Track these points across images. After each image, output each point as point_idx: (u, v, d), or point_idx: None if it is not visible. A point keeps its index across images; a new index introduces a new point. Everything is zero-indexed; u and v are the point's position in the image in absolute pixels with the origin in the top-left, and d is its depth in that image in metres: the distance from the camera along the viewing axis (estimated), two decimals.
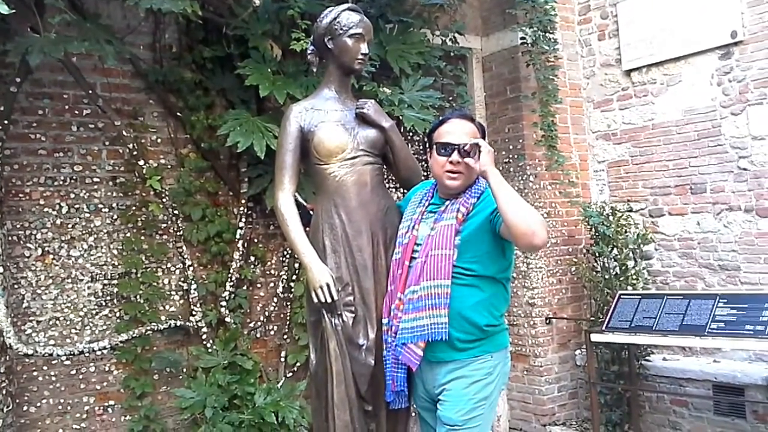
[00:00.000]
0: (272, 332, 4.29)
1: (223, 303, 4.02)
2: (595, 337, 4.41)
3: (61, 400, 3.62)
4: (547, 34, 4.79)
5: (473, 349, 2.45)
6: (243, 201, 4.14)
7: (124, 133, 3.74)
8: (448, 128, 2.52)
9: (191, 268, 3.97)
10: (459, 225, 2.44)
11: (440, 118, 2.65)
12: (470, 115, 2.67)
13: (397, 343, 2.49)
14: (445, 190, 2.55)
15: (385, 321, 2.58)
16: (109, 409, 3.76)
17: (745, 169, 4.46)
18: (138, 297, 3.84)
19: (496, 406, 2.57)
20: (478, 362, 2.45)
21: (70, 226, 3.70)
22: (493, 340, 2.49)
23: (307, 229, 2.76)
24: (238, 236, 4.10)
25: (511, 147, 5.16)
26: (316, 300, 2.62)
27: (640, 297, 4.37)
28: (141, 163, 3.79)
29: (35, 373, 3.56)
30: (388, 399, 2.63)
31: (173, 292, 4.00)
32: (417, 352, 2.45)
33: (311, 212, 2.83)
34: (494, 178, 2.33)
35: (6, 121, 3.40)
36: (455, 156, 2.45)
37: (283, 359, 4.27)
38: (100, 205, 3.79)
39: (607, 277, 4.83)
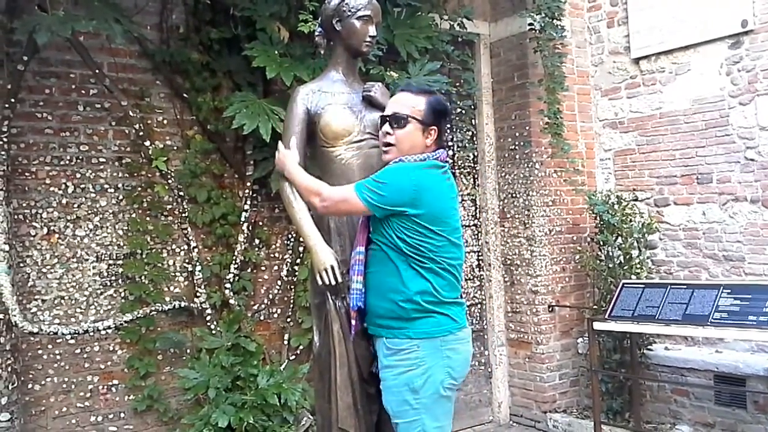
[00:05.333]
0: (276, 315, 4.31)
1: (228, 285, 4.04)
2: (598, 326, 4.41)
3: (66, 379, 3.65)
4: (555, 21, 4.76)
5: (393, 329, 2.44)
6: (248, 184, 4.14)
7: (131, 113, 3.73)
8: (390, 100, 2.62)
9: (196, 250, 3.98)
10: None
11: None
12: (422, 89, 2.65)
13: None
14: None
15: None
16: (113, 389, 3.78)
17: (752, 160, 4.44)
18: (143, 278, 3.86)
19: (441, 402, 2.46)
20: (404, 353, 2.43)
21: (75, 205, 3.71)
22: (417, 326, 2.43)
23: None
24: (243, 219, 4.10)
25: (517, 134, 5.15)
26: (320, 282, 2.63)
27: (643, 286, 4.37)
28: (147, 143, 3.79)
29: (40, 352, 3.58)
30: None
31: (178, 274, 4.01)
32: (352, 322, 2.56)
33: None
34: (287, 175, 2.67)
35: (13, 100, 3.40)
36: (385, 127, 2.53)
37: (286, 342, 4.29)
38: (106, 186, 3.80)
39: (611, 265, 4.83)
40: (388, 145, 2.52)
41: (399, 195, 2.39)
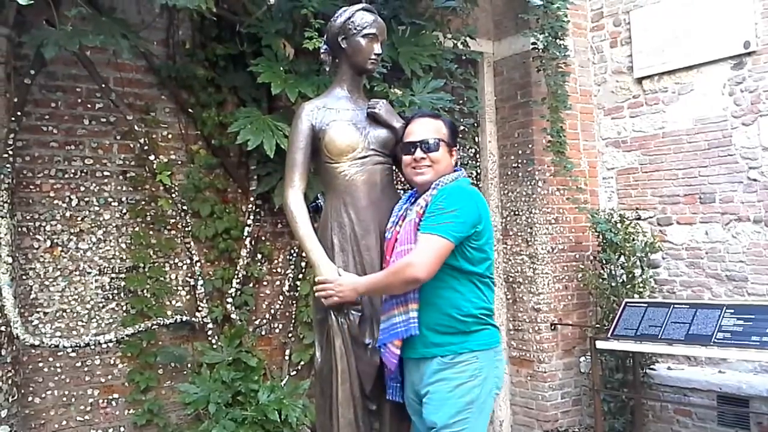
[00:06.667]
0: (277, 330, 4.30)
1: (229, 299, 4.03)
2: (600, 345, 4.40)
3: (66, 392, 3.64)
4: (558, 40, 4.78)
5: (453, 345, 2.42)
6: (251, 198, 4.15)
7: (136, 127, 3.76)
8: (411, 128, 2.63)
9: (198, 264, 3.98)
10: (419, 219, 2.46)
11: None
12: (435, 113, 2.77)
13: (378, 344, 2.54)
14: (418, 188, 2.60)
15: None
16: (113, 402, 3.77)
17: (755, 180, 4.44)
18: (145, 291, 3.85)
19: (487, 410, 2.49)
20: (462, 364, 2.42)
21: (79, 218, 3.72)
22: (477, 338, 2.45)
23: (316, 225, 2.77)
24: (245, 233, 4.11)
25: (520, 152, 5.16)
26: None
27: (646, 305, 4.36)
28: (151, 158, 3.81)
29: (41, 365, 3.58)
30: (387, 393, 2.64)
31: (180, 288, 4.01)
32: (394, 351, 2.49)
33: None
34: (366, 291, 2.53)
35: (19, 113, 3.42)
36: (418, 152, 2.55)
37: (287, 357, 4.27)
38: (110, 199, 3.81)
39: (613, 284, 4.82)
40: (423, 167, 2.54)
41: (472, 216, 2.41)
